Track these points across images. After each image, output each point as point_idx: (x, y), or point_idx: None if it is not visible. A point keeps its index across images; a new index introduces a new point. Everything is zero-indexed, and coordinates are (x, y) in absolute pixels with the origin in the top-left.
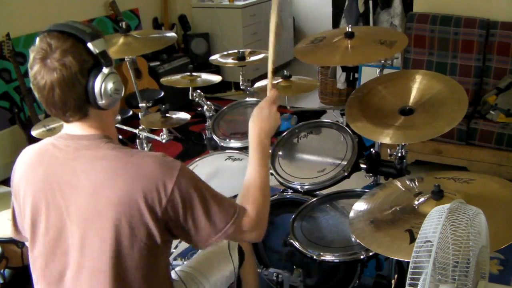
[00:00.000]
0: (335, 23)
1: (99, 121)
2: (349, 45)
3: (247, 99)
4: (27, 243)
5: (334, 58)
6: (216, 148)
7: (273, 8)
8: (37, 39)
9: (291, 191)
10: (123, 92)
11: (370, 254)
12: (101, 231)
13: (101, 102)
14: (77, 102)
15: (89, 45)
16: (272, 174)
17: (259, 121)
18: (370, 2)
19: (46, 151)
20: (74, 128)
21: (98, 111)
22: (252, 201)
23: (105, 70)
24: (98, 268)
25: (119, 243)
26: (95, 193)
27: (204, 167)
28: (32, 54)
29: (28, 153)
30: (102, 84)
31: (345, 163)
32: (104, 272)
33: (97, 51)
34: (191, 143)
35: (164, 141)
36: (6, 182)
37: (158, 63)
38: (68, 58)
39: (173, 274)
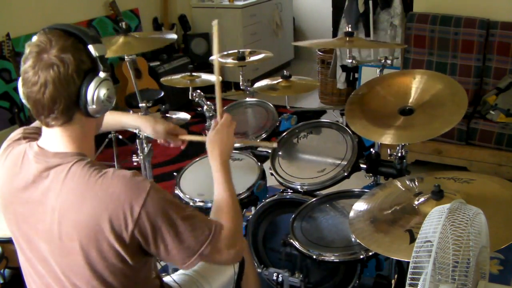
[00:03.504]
0: (335, 23)
1: (80, 131)
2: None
3: (247, 99)
4: None
5: None
6: None
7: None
8: (37, 34)
9: (291, 191)
10: (113, 103)
11: (370, 254)
12: (69, 252)
13: (91, 107)
14: (67, 103)
15: (90, 47)
16: (272, 174)
17: (217, 144)
18: (370, 2)
19: (20, 162)
20: (50, 141)
21: (82, 119)
22: (226, 217)
23: (102, 75)
24: (73, 283)
25: (90, 264)
26: (62, 214)
27: (204, 167)
28: (28, 48)
29: (9, 157)
30: (97, 89)
31: (345, 163)
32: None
33: (97, 55)
34: (191, 143)
35: None
36: None
37: (158, 63)
38: (67, 55)
39: (170, 279)
